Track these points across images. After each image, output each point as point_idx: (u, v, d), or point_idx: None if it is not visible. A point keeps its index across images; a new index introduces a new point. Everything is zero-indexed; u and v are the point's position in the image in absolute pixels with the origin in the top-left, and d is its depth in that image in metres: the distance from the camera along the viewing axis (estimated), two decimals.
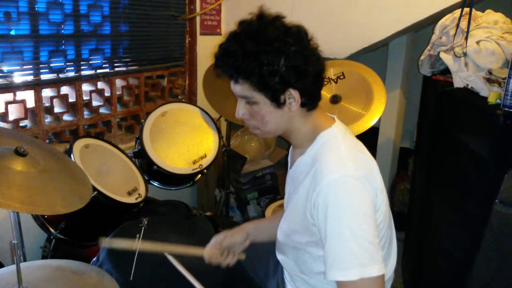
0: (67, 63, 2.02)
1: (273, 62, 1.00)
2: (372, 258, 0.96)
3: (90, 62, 2.13)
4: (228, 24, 2.86)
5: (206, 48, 2.75)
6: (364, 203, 0.98)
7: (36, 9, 1.85)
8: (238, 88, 1.07)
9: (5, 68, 1.78)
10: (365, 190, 1.00)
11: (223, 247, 1.33)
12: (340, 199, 0.98)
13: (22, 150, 1.11)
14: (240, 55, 1.01)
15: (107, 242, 1.35)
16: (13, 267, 1.14)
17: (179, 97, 2.74)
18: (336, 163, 1.02)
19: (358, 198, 0.98)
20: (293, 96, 1.05)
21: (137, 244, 1.32)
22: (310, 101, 1.09)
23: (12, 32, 1.79)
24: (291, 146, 1.27)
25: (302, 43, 1.04)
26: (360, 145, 1.13)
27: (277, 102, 1.05)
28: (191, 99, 2.78)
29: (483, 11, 1.85)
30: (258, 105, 1.07)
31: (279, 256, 1.30)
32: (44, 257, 1.82)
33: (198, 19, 2.66)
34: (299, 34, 1.05)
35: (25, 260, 1.39)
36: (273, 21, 1.04)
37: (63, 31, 1.98)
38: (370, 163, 1.08)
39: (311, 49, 1.07)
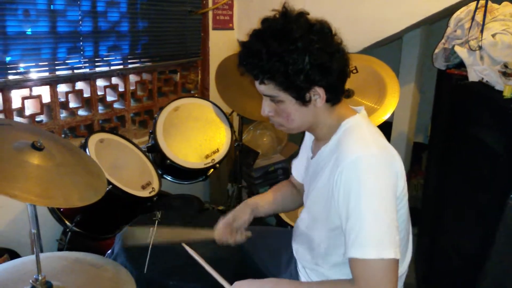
0: (83, 61, 2.04)
1: (298, 61, 1.00)
2: (391, 240, 0.96)
3: (106, 59, 2.15)
4: (240, 19, 2.85)
5: (219, 43, 2.75)
6: (385, 184, 0.99)
7: (54, 7, 1.87)
8: (263, 87, 1.07)
9: (22, 65, 1.81)
10: (387, 170, 1.00)
11: (233, 228, 1.35)
12: (362, 177, 0.98)
13: (39, 144, 1.13)
14: (264, 55, 1.01)
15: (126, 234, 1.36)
16: (33, 256, 1.17)
17: (192, 92, 2.75)
18: (359, 144, 1.03)
19: (380, 179, 0.99)
20: (318, 93, 1.05)
21: (152, 233, 1.36)
22: (335, 96, 1.09)
23: (28, 32, 1.82)
24: (313, 138, 1.26)
25: (326, 40, 1.04)
26: (383, 135, 1.13)
27: (303, 100, 1.06)
28: (204, 94, 2.79)
29: (499, 3, 1.82)
30: (283, 103, 1.07)
31: (295, 246, 1.30)
32: (59, 249, 1.86)
33: (210, 14, 2.66)
34: (322, 31, 1.05)
35: (41, 252, 1.42)
36: (297, 19, 1.04)
37: (81, 27, 2.00)
38: (393, 150, 1.08)
39: (335, 45, 1.06)
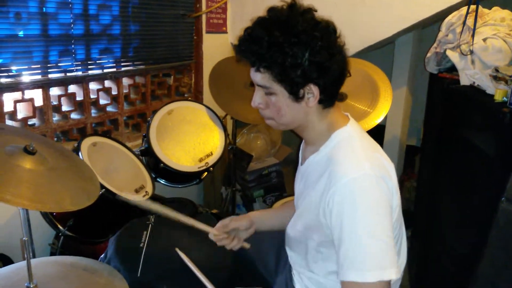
0: (75, 63, 2.03)
1: (298, 55, 0.98)
2: (390, 261, 0.94)
3: (98, 62, 2.15)
4: (234, 23, 2.86)
5: (212, 46, 2.75)
6: (380, 203, 0.97)
7: (46, 9, 1.86)
8: (259, 76, 1.05)
9: (14, 68, 1.80)
10: (382, 190, 0.98)
11: (229, 229, 1.33)
12: (357, 199, 0.96)
13: (31, 148, 1.13)
14: (265, 43, 0.99)
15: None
16: (25, 263, 1.16)
17: (186, 95, 2.75)
18: (352, 163, 1.00)
19: (375, 198, 0.97)
20: (312, 92, 1.03)
21: (145, 237, 1.34)
22: (328, 99, 1.07)
23: (20, 34, 1.81)
24: (303, 142, 1.25)
25: (329, 39, 1.02)
26: (375, 145, 1.12)
27: (296, 95, 1.04)
28: (197, 97, 2.79)
29: (490, 8, 1.84)
30: (276, 96, 1.06)
31: (289, 252, 1.30)
32: (52, 254, 1.85)
33: (204, 17, 2.67)
34: (327, 30, 1.04)
35: (34, 257, 1.41)
36: (303, 13, 1.02)
37: (72, 31, 1.99)
38: (386, 163, 1.06)
39: (338, 46, 1.05)
